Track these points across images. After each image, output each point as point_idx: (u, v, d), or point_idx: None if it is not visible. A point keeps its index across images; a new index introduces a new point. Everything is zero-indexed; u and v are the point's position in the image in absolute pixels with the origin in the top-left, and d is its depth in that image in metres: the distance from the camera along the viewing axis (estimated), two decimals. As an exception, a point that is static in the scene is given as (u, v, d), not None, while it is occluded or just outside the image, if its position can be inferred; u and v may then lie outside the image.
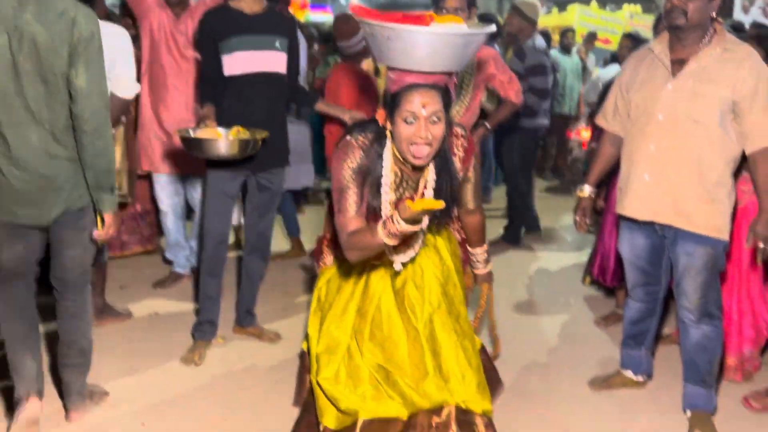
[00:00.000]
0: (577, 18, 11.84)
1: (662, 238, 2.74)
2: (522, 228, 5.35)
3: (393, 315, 2.20)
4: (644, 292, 2.90)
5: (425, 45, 1.86)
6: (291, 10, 5.05)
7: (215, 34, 3.04)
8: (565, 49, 8.22)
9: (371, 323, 2.19)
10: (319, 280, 2.38)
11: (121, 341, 3.37)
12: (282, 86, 3.18)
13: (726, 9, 8.30)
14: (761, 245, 2.55)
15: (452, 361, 2.16)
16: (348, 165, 2.06)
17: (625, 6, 13.11)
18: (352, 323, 2.22)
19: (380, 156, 2.08)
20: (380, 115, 2.05)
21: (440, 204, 1.76)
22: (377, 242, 1.91)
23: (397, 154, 2.08)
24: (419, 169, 2.12)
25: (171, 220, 4.07)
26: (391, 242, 1.89)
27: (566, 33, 8.43)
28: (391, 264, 2.20)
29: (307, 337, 2.35)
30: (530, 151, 5.41)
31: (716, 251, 2.61)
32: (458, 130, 2.20)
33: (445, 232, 2.40)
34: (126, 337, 3.43)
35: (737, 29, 5.13)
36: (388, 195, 2.09)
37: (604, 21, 12.01)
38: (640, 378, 3.05)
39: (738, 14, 7.56)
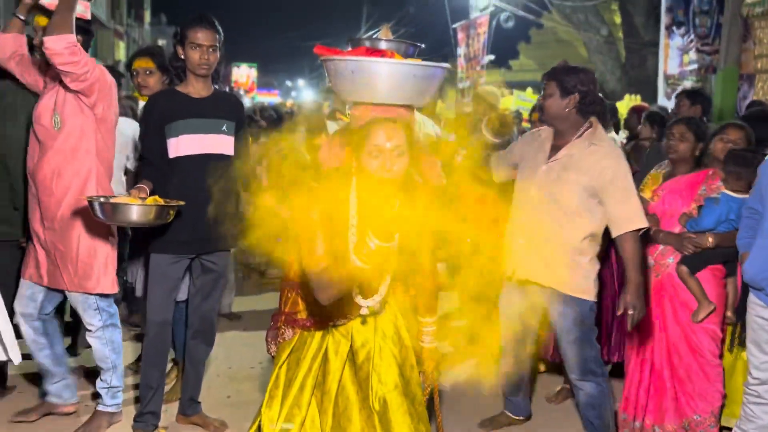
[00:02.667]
0: (513, 102, 12.43)
1: (538, 294, 2.98)
2: None
3: (349, 391, 2.18)
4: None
5: (388, 76, 1.98)
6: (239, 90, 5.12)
7: (161, 117, 3.05)
8: None
9: (332, 401, 2.17)
10: (281, 357, 2.30)
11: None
12: (229, 168, 3.17)
13: (651, 94, 8.86)
14: (630, 312, 2.84)
15: None
16: (315, 209, 2.06)
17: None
18: (308, 399, 2.17)
19: (345, 198, 2.10)
20: (347, 153, 2.09)
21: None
22: (350, 271, 1.90)
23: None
24: None
25: (29, 335, 3.19)
26: (365, 264, 1.88)
27: None
28: (348, 339, 2.19)
29: (256, 421, 2.26)
30: None
31: (583, 310, 2.92)
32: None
33: (405, 309, 2.36)
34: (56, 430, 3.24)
35: (660, 114, 5.46)
36: (354, 237, 2.09)
37: (539, 105, 12.58)
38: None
39: (662, 100, 8.08)
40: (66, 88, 2.98)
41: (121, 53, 27.11)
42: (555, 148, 2.96)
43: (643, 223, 2.86)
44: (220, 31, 3.08)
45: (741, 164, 3.08)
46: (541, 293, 2.95)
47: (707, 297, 3.10)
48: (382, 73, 1.98)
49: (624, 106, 12.50)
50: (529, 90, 13.96)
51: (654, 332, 3.24)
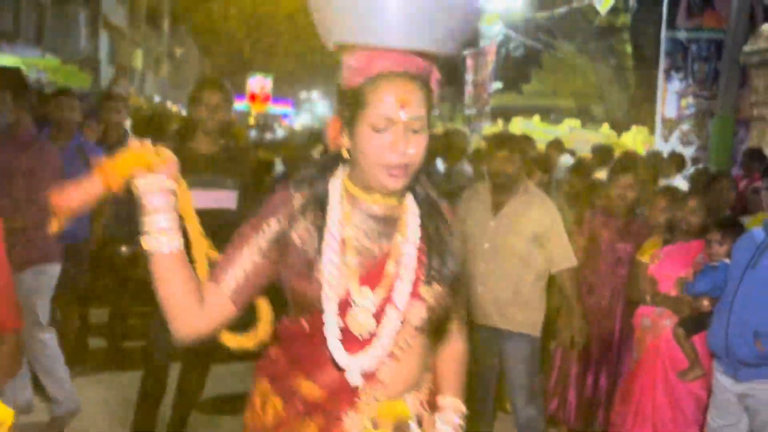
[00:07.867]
0: (519, 130, 12.61)
1: (493, 336, 3.33)
2: None
3: None
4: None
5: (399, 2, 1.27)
6: (254, 102, 5.15)
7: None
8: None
9: None
10: None
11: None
12: (231, 221, 3.36)
13: (648, 135, 9.04)
14: (578, 339, 3.36)
15: None
16: (270, 225, 1.42)
17: (566, 120, 14.02)
18: None
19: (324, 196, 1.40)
20: (334, 127, 1.58)
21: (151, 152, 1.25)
22: (156, 267, 1.29)
23: (352, 187, 1.40)
24: (390, 211, 1.41)
25: None
26: (153, 243, 1.28)
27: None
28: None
29: None
30: None
31: (533, 344, 3.32)
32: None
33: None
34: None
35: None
36: (334, 252, 1.36)
37: (544, 133, 12.77)
38: None
39: (659, 142, 8.28)
40: None
41: (138, 61, 27.54)
42: (497, 204, 3.35)
43: (575, 261, 3.34)
44: (229, 91, 3.34)
45: (730, 234, 3.16)
46: (495, 334, 3.32)
47: (700, 362, 3.18)
48: None
49: (630, 137, 12.63)
50: (536, 117, 14.14)
51: (644, 394, 3.32)
